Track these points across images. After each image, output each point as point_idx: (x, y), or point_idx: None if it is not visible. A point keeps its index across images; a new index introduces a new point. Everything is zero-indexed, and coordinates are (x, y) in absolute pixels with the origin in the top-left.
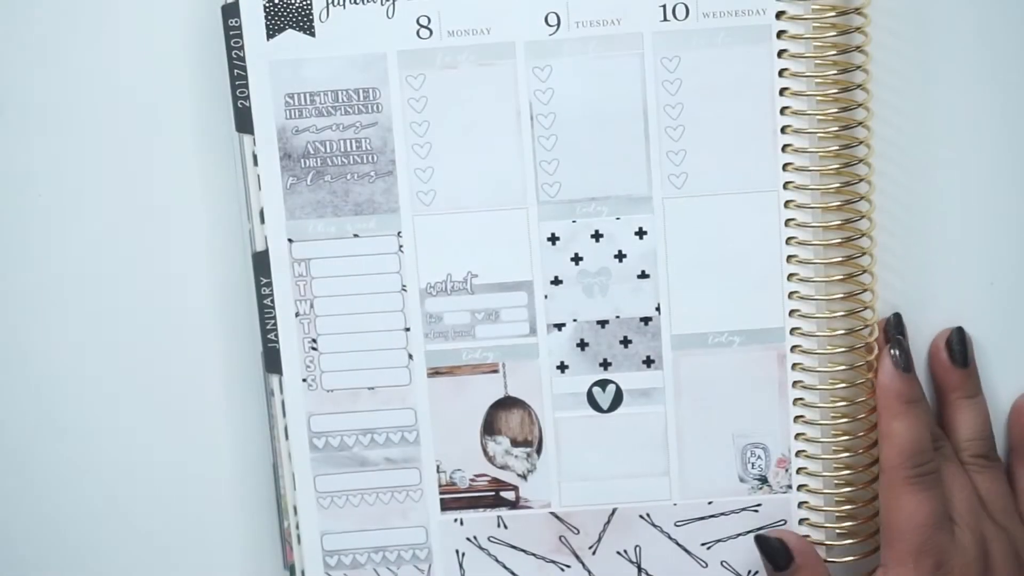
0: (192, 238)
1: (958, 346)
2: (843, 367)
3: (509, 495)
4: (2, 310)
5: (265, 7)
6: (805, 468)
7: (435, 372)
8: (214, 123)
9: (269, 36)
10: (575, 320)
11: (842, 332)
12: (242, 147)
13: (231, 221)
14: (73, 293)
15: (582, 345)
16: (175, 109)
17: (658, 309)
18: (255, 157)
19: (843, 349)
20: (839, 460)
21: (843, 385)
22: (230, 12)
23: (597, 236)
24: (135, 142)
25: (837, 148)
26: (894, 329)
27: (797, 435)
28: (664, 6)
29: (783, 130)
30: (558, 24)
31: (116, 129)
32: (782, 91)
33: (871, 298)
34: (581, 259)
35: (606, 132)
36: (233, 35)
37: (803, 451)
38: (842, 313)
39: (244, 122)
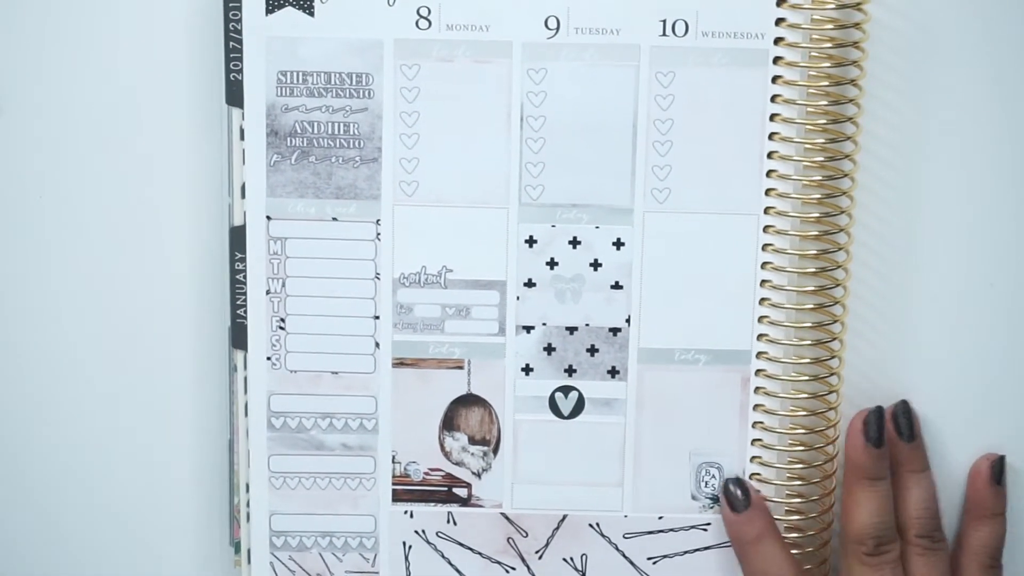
0: (173, 208)
1: (903, 419)
2: (806, 395)
3: (462, 492)
4: None
5: None
6: (758, 492)
7: (400, 363)
8: (205, 94)
9: (268, 11)
10: (544, 324)
11: (808, 360)
12: (230, 120)
13: (213, 193)
14: (48, 252)
15: (549, 349)
16: (168, 77)
17: (628, 321)
18: (242, 131)
19: (807, 377)
20: (792, 487)
21: (804, 413)
22: None
23: (575, 243)
24: (126, 108)
25: (821, 178)
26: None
27: (753, 458)
28: (664, 21)
29: (769, 155)
30: (557, 28)
31: (107, 95)
32: (772, 116)
33: (840, 329)
34: (557, 264)
35: (594, 140)
36: (232, 7)
37: (757, 474)
38: (810, 342)
39: (235, 95)
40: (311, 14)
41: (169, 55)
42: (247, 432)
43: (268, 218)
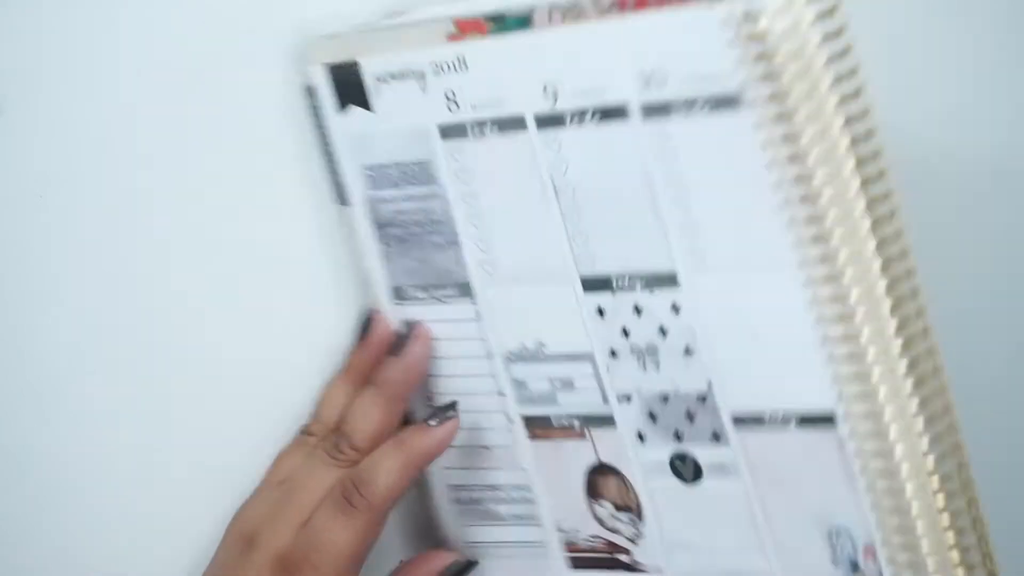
0: (299, 303)
1: None
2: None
3: (624, 558)
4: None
5: (331, 86)
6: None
7: (534, 435)
8: (310, 190)
9: (339, 111)
10: (639, 393)
11: None
12: (341, 216)
13: (337, 284)
14: (172, 352)
15: (652, 417)
16: (271, 178)
17: (709, 386)
18: (354, 227)
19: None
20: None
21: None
22: (312, 93)
23: (638, 310)
24: (235, 211)
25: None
26: None
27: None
28: (643, 72)
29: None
30: (556, 96)
31: (227, 196)
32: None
33: None
34: (629, 333)
35: (619, 206)
36: (315, 107)
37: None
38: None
39: (339, 193)
40: (370, 109)
41: (269, 157)
42: None
43: (396, 303)
